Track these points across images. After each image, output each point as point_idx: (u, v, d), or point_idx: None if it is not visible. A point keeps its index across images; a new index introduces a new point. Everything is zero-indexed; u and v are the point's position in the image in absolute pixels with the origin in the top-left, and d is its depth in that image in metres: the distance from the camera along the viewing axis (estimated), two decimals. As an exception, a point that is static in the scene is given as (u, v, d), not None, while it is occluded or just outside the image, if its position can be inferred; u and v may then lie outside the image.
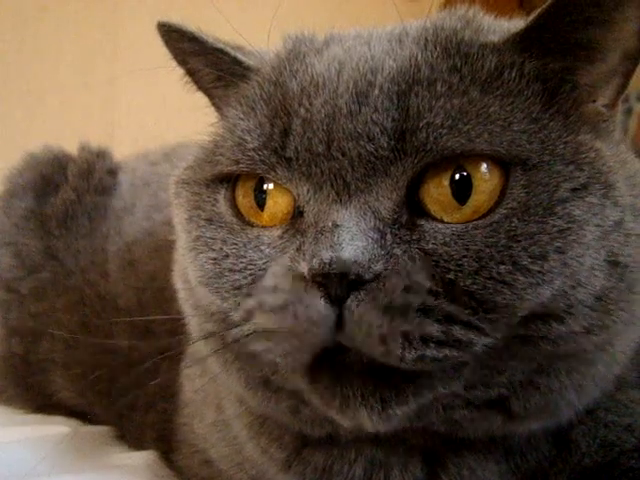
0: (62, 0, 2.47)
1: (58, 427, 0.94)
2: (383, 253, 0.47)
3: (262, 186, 0.54)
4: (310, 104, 0.51)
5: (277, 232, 0.52)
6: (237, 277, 0.52)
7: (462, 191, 0.48)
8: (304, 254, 0.48)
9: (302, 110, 0.51)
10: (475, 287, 0.47)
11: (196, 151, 0.62)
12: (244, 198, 0.55)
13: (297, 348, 0.47)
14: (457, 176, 0.48)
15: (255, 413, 0.62)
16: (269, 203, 0.54)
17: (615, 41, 0.51)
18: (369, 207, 0.48)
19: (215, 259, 0.54)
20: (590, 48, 0.52)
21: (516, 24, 0.56)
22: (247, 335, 0.51)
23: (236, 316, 0.52)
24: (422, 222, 0.49)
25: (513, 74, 0.51)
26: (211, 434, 0.70)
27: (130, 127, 2.32)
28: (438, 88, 0.49)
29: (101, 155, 1.13)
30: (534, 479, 0.58)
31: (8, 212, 1.07)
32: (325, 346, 0.47)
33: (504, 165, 0.48)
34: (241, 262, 0.52)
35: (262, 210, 0.54)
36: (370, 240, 0.47)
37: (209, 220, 0.56)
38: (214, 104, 0.64)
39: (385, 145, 0.48)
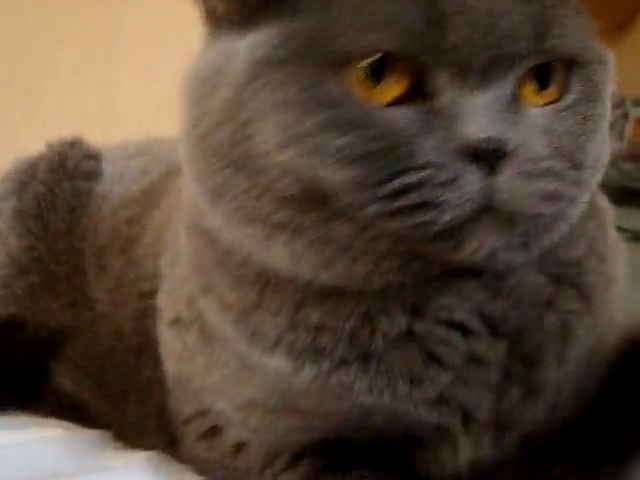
0: (62, 0, 2.47)
1: (54, 430, 0.95)
2: (519, 130, 0.57)
3: (374, 65, 0.57)
4: (463, 2, 0.57)
5: (410, 112, 0.57)
6: (390, 156, 0.56)
7: (543, 81, 0.60)
8: (459, 133, 0.55)
9: (457, 5, 0.56)
10: (572, 150, 0.60)
11: (268, 33, 0.58)
12: (358, 75, 0.57)
13: (458, 216, 0.55)
14: (541, 69, 0.60)
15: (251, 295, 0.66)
16: (389, 81, 0.57)
17: None
18: (501, 94, 0.57)
19: (360, 139, 0.56)
20: None
21: None
22: (397, 210, 0.56)
23: (378, 193, 0.56)
24: (525, 106, 0.59)
25: None
26: (203, 380, 0.73)
27: (129, 127, 2.32)
28: (544, 3, 0.59)
29: (75, 144, 1.14)
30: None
31: (0, 215, 1.10)
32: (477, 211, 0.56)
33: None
34: (387, 141, 0.56)
35: (374, 87, 0.57)
36: (509, 120, 0.57)
37: (332, 103, 0.56)
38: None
39: (528, 45, 0.57)
